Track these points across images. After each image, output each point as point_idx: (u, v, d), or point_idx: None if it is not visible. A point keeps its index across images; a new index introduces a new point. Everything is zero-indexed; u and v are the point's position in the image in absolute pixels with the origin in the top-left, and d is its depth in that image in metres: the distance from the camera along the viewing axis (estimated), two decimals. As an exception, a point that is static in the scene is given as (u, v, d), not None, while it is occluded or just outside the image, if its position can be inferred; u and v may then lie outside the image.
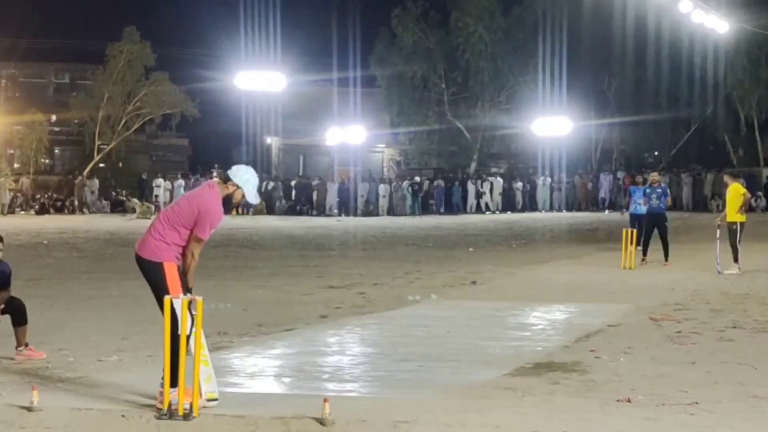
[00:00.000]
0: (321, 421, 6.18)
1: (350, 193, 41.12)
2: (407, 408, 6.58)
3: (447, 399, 6.89)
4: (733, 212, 16.25)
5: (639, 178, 20.77)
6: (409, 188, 41.87)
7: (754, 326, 10.37)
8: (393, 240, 25.83)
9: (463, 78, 47.17)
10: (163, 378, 6.51)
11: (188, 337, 6.47)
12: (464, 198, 43.56)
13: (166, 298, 6.50)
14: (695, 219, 33.40)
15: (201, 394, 6.56)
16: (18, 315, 8.61)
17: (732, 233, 16.12)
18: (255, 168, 7.35)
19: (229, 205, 7.01)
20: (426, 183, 43.50)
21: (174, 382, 6.38)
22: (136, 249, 6.91)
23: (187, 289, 6.77)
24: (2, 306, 8.60)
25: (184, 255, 6.85)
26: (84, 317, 11.25)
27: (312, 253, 21.18)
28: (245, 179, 7.01)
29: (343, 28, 45.67)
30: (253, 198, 7.04)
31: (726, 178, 17.39)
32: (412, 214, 40.57)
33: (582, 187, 45.67)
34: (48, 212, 39.76)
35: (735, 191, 16.35)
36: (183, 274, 6.84)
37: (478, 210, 42.85)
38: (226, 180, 6.99)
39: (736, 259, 16.05)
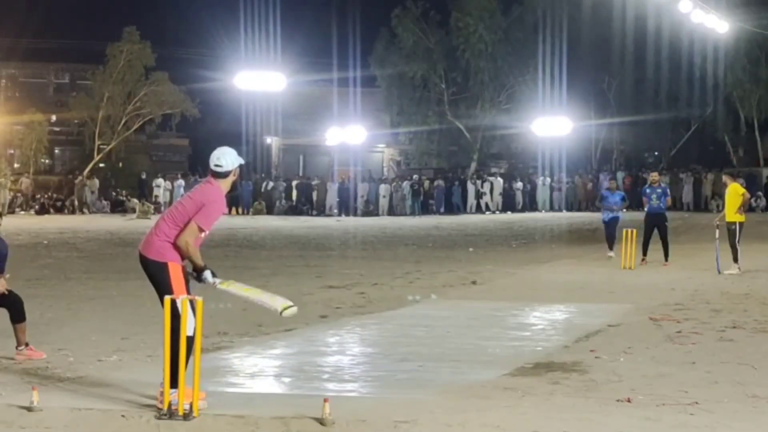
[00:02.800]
0: (321, 421, 6.17)
1: (350, 193, 41.12)
2: (407, 408, 6.58)
3: (447, 399, 6.88)
4: (732, 212, 16.23)
5: (613, 183, 20.93)
6: (410, 188, 41.84)
7: (754, 326, 10.37)
8: (393, 240, 25.83)
9: (463, 78, 47.17)
10: (163, 378, 6.51)
11: (191, 338, 6.47)
12: (464, 198, 43.56)
13: (166, 298, 6.50)
14: (695, 219, 33.42)
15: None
16: (15, 311, 8.57)
17: (731, 233, 16.10)
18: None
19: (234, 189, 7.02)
20: (426, 183, 43.50)
21: (174, 383, 6.38)
22: (140, 249, 6.88)
23: (200, 269, 6.71)
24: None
25: (177, 246, 6.76)
26: (84, 317, 11.25)
27: (312, 253, 21.18)
28: (232, 160, 6.92)
29: (343, 28, 45.72)
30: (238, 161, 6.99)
31: (725, 178, 17.35)
32: (412, 214, 40.56)
33: (582, 187, 45.68)
34: (48, 212, 39.75)
35: (734, 191, 16.34)
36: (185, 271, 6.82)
37: (478, 210, 42.86)
38: (225, 175, 6.92)
39: (735, 259, 16.04)
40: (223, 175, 6.89)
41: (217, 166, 6.88)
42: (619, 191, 19.96)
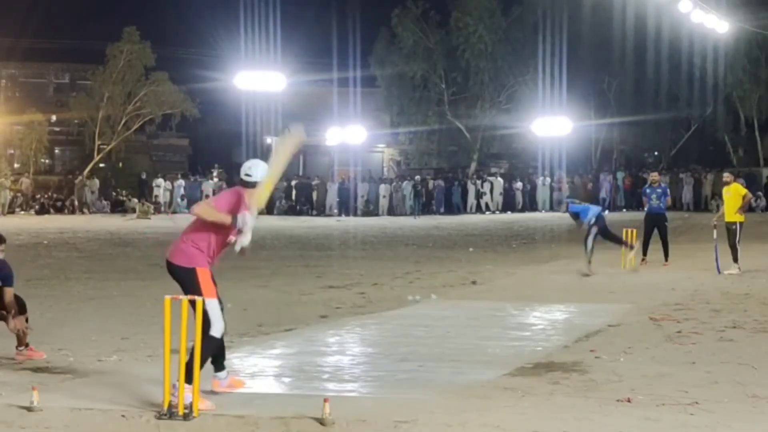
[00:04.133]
0: (321, 421, 6.18)
1: (350, 193, 41.11)
2: (407, 408, 6.58)
3: (447, 399, 6.88)
4: (732, 212, 16.18)
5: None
6: (412, 189, 41.63)
7: (754, 326, 10.37)
8: (393, 240, 25.83)
9: (463, 78, 47.16)
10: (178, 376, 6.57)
11: (217, 339, 6.80)
12: (464, 198, 43.56)
13: (166, 298, 6.51)
14: (695, 219, 33.40)
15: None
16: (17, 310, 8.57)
17: (732, 233, 16.06)
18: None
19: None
20: (430, 183, 43.40)
21: (190, 379, 6.46)
22: (167, 255, 7.01)
23: (233, 223, 6.84)
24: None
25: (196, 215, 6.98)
26: (84, 317, 11.26)
27: (312, 253, 21.18)
28: (261, 172, 7.10)
29: (343, 28, 45.72)
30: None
31: (726, 176, 17.18)
32: (412, 214, 40.41)
33: (582, 187, 45.65)
34: (48, 212, 39.76)
35: (736, 191, 16.30)
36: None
37: (478, 210, 42.85)
38: (253, 185, 7.04)
39: (735, 259, 16.02)
40: (252, 185, 7.06)
41: (247, 175, 7.09)
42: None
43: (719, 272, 15.77)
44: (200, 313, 6.59)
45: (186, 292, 6.82)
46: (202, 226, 6.94)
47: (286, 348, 9.25)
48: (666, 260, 17.62)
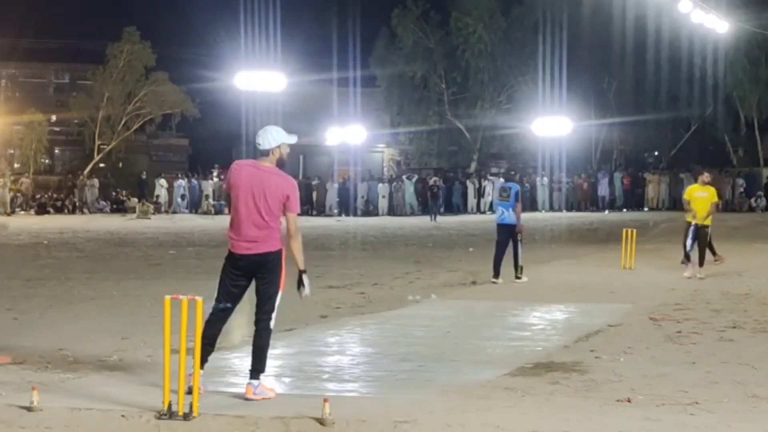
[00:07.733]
0: (321, 421, 6.18)
1: (350, 193, 41.09)
2: (407, 408, 6.58)
3: (447, 399, 6.89)
4: (705, 215, 15.41)
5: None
6: (429, 191, 40.88)
7: (754, 326, 10.37)
8: (393, 240, 25.83)
9: (463, 78, 47.19)
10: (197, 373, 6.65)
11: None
12: (464, 198, 43.53)
13: (166, 298, 6.51)
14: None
15: None
16: None
17: (704, 236, 15.43)
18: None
19: (282, 168, 7.39)
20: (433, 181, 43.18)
21: (258, 375, 6.98)
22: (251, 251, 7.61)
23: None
24: None
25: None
26: (84, 317, 11.25)
27: (312, 253, 21.09)
28: (269, 139, 7.26)
29: (343, 28, 45.77)
30: (288, 138, 7.39)
31: (706, 176, 16.05)
32: (429, 214, 39.25)
33: (581, 187, 45.67)
34: (48, 212, 39.77)
35: (712, 195, 15.66)
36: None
37: (478, 210, 42.82)
38: (265, 153, 7.25)
39: (702, 264, 15.45)
40: (264, 153, 7.28)
41: (257, 144, 7.30)
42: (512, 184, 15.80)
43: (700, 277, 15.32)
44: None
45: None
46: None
47: (286, 348, 9.23)
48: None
